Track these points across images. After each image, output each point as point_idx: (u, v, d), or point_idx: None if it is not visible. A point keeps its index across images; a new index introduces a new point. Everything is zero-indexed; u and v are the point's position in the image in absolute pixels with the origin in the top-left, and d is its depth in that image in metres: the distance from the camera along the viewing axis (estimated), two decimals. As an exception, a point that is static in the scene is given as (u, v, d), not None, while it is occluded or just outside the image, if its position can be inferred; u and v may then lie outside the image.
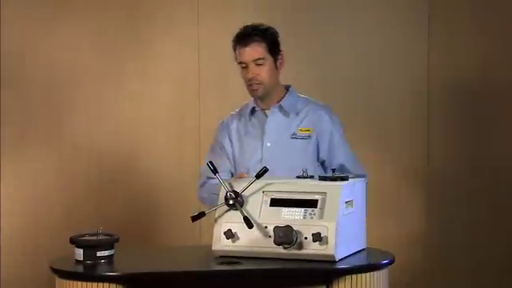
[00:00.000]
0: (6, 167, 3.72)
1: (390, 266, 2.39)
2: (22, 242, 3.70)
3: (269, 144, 2.79)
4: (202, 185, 2.84)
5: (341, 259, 2.34)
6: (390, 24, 3.92)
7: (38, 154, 3.74)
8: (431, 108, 3.96)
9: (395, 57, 3.93)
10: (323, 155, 2.83)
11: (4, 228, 3.70)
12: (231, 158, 2.83)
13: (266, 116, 2.83)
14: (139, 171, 3.84)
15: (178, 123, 3.87)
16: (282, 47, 2.84)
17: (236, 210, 2.41)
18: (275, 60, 2.82)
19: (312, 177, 2.58)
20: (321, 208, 2.37)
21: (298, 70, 3.92)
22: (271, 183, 2.46)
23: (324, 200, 2.37)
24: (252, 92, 2.80)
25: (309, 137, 2.80)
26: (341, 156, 2.85)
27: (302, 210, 2.39)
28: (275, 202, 2.42)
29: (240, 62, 2.78)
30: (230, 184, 2.46)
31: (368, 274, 2.31)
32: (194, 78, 3.80)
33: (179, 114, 3.87)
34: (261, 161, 2.76)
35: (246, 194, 2.43)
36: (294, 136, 2.80)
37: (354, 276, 2.29)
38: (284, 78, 3.93)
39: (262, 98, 2.82)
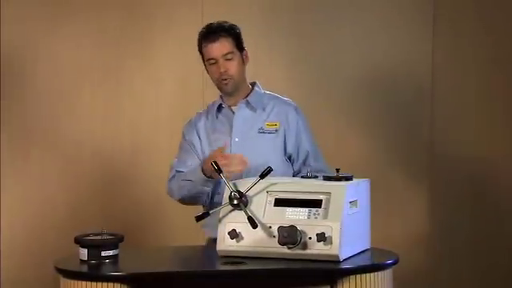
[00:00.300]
0: (10, 168, 3.72)
1: (394, 266, 2.39)
2: (26, 242, 3.70)
3: (237, 139, 2.81)
4: (171, 178, 2.86)
5: (345, 259, 2.34)
6: (394, 24, 3.92)
7: (41, 155, 3.75)
8: (435, 108, 3.95)
9: (400, 56, 3.93)
10: (290, 149, 2.85)
11: (8, 228, 3.71)
12: (200, 155, 2.84)
13: (233, 112, 2.85)
14: (143, 171, 3.85)
15: (182, 123, 3.86)
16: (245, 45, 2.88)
17: (240, 210, 2.41)
18: (241, 55, 2.85)
19: (316, 177, 2.58)
20: (325, 208, 2.37)
21: (302, 69, 3.92)
22: (275, 183, 2.46)
23: (328, 200, 2.37)
24: (223, 87, 2.82)
25: (276, 131, 2.84)
26: (306, 143, 2.89)
27: (307, 209, 2.39)
28: (279, 202, 2.42)
29: (209, 59, 2.80)
30: (234, 184, 2.46)
31: (372, 274, 2.31)
32: (197, 77, 3.79)
33: (182, 114, 3.85)
34: None
35: (250, 193, 2.43)
36: (261, 131, 2.83)
37: (359, 276, 2.29)
38: (288, 77, 3.95)
39: (232, 93, 2.84)
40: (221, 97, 2.89)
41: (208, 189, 2.76)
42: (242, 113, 2.85)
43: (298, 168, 2.87)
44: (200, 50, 2.86)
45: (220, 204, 2.57)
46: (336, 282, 2.29)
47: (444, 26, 3.92)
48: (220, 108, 2.88)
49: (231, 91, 2.84)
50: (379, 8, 3.93)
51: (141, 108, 3.87)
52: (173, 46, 3.85)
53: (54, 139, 3.76)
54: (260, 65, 3.88)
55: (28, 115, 3.75)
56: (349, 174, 2.51)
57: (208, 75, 2.86)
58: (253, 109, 2.86)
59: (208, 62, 2.82)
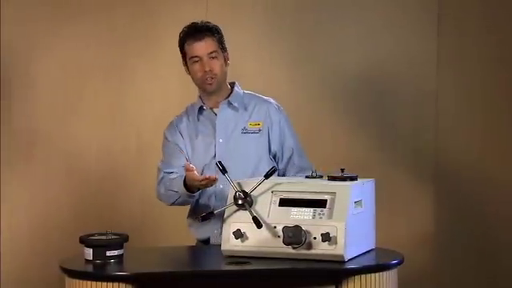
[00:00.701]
0: (15, 168, 3.73)
1: (399, 266, 2.39)
2: (31, 242, 3.71)
3: (221, 140, 2.79)
4: (160, 180, 2.82)
5: (350, 259, 2.34)
6: (398, 23, 3.91)
7: (45, 155, 3.75)
8: (440, 107, 3.95)
9: (404, 56, 3.92)
10: (275, 148, 2.84)
11: (13, 229, 3.71)
12: (186, 155, 2.82)
13: (215, 114, 2.82)
14: (147, 171, 3.83)
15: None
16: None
17: (245, 209, 2.41)
18: (224, 56, 2.83)
19: (321, 177, 2.58)
20: (330, 208, 2.37)
21: (305, 68, 3.92)
22: (280, 183, 2.46)
23: (333, 200, 2.37)
24: (206, 87, 2.79)
25: (259, 131, 2.82)
26: (290, 141, 2.87)
27: (311, 209, 2.39)
28: (284, 202, 2.43)
29: (193, 57, 2.78)
30: (239, 184, 2.46)
31: (377, 274, 2.31)
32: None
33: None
34: (214, 157, 2.75)
35: (254, 193, 2.43)
36: (244, 131, 2.81)
37: (363, 276, 2.29)
38: (290, 76, 3.95)
39: (213, 92, 2.81)
40: (200, 98, 2.85)
41: (194, 198, 2.75)
42: (224, 114, 2.82)
43: (284, 166, 2.85)
44: (182, 49, 2.83)
45: (206, 205, 2.58)
46: (341, 282, 2.29)
47: (449, 25, 3.91)
48: (201, 110, 2.84)
49: (214, 90, 2.81)
50: (383, 7, 3.92)
51: (145, 108, 3.87)
52: (177, 44, 3.83)
53: (58, 139, 3.77)
54: (262, 64, 3.89)
55: (32, 115, 3.75)
56: (353, 174, 2.51)
57: (193, 76, 2.80)
58: (235, 109, 2.83)
59: (191, 60, 2.79)
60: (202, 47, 2.77)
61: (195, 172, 2.62)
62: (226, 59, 2.83)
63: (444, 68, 3.93)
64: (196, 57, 2.78)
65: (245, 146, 2.78)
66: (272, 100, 2.91)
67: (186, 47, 2.80)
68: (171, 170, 2.80)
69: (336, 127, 3.90)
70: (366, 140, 3.92)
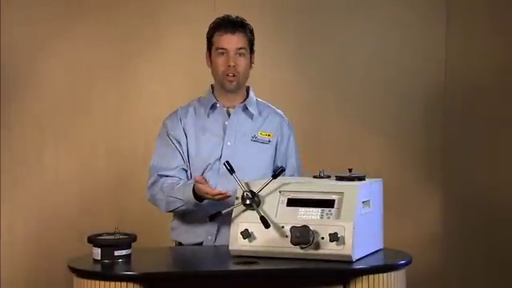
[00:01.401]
0: (24, 168, 3.74)
1: (407, 267, 2.39)
2: (40, 242, 3.72)
3: (229, 143, 2.70)
4: (154, 183, 2.71)
5: (358, 259, 2.34)
6: (407, 23, 3.91)
7: (54, 155, 3.76)
8: (448, 108, 3.94)
9: (412, 56, 3.92)
10: (279, 163, 2.77)
11: (22, 228, 3.72)
12: (185, 153, 2.71)
13: (228, 114, 2.74)
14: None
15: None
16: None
17: (253, 209, 2.41)
18: (250, 57, 2.75)
19: (329, 177, 2.58)
20: (338, 208, 2.37)
21: (313, 69, 3.92)
22: (288, 183, 2.46)
23: (341, 200, 2.37)
24: (226, 83, 2.70)
25: (269, 142, 2.76)
26: (294, 159, 2.83)
27: (319, 209, 2.38)
28: (292, 202, 2.42)
29: (220, 48, 2.68)
30: (246, 184, 2.46)
31: (385, 274, 2.30)
32: (210, 75, 3.79)
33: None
34: (220, 158, 2.68)
35: (262, 193, 2.43)
36: (254, 139, 2.74)
37: (371, 276, 2.28)
38: (299, 76, 3.94)
39: (232, 91, 2.72)
40: (213, 95, 2.76)
41: (199, 207, 2.62)
42: (238, 117, 2.74)
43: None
44: (210, 38, 2.73)
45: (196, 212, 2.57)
46: (349, 283, 2.29)
47: (457, 25, 3.91)
48: (214, 107, 2.75)
49: (233, 89, 2.72)
50: (392, 7, 3.92)
51: (154, 106, 3.87)
52: (186, 43, 3.84)
53: (67, 139, 3.77)
54: (270, 64, 3.88)
55: (41, 116, 3.76)
56: (361, 174, 2.51)
57: (214, 68, 2.70)
58: (249, 114, 2.75)
59: (217, 51, 2.69)
60: (232, 40, 2.68)
61: (207, 185, 2.55)
62: (251, 61, 2.76)
63: (452, 68, 3.92)
64: (223, 49, 2.68)
65: (251, 154, 2.71)
66: (284, 115, 2.85)
67: (216, 37, 2.70)
68: (167, 173, 2.69)
69: (343, 127, 3.90)
70: (373, 140, 3.92)
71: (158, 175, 2.71)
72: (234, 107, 2.76)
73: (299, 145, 3.90)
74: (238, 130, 2.73)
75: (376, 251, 2.48)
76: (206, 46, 2.76)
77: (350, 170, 2.53)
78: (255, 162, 2.70)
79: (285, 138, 2.81)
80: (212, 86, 2.82)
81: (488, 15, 3.87)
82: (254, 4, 3.87)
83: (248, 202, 2.41)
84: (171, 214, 2.79)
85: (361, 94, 3.91)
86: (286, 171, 2.79)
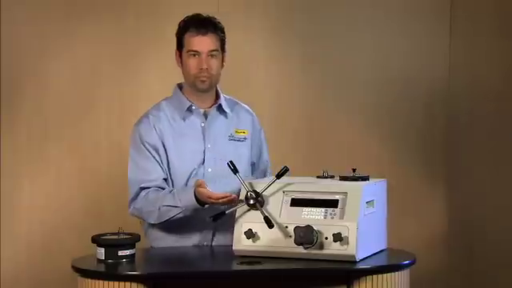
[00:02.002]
0: (28, 167, 3.74)
1: (410, 267, 2.39)
2: (43, 241, 3.72)
3: (209, 145, 2.66)
4: (136, 196, 2.62)
5: (361, 259, 2.34)
6: (411, 25, 3.90)
7: (59, 155, 3.76)
8: (451, 108, 3.94)
9: (417, 58, 3.91)
10: (254, 158, 2.77)
11: (26, 228, 3.73)
12: (165, 161, 2.63)
13: (205, 116, 2.69)
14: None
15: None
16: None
17: (256, 209, 2.41)
18: (222, 57, 2.70)
19: (333, 177, 2.58)
20: (341, 208, 2.37)
21: (319, 70, 3.91)
22: (292, 183, 2.46)
23: (345, 200, 2.37)
24: (198, 84, 2.63)
25: (245, 139, 2.74)
26: (266, 154, 2.83)
27: (323, 210, 2.38)
28: (296, 202, 2.42)
29: (192, 51, 2.62)
30: (250, 184, 2.46)
31: (389, 274, 2.30)
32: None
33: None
34: (203, 162, 2.64)
35: (266, 193, 2.43)
36: (231, 138, 2.71)
37: (375, 276, 2.28)
38: (303, 76, 3.94)
39: (204, 92, 2.66)
40: (185, 96, 2.69)
41: (195, 212, 2.56)
42: (214, 118, 2.69)
43: (258, 177, 2.76)
44: (180, 37, 2.66)
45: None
46: (352, 283, 2.29)
47: (461, 28, 3.90)
48: (189, 109, 2.68)
49: (206, 89, 2.66)
50: (396, 9, 3.91)
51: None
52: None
53: (71, 139, 3.77)
54: (274, 64, 3.88)
55: (44, 115, 3.76)
56: (365, 174, 2.50)
57: (185, 70, 2.64)
58: (223, 114, 2.72)
59: (189, 53, 2.63)
60: (204, 42, 2.62)
61: (209, 188, 2.50)
62: (223, 60, 2.71)
63: (456, 70, 3.91)
64: (195, 51, 2.63)
65: (231, 153, 2.65)
66: (251, 110, 2.82)
67: (187, 38, 2.64)
68: (148, 185, 2.61)
69: (347, 128, 3.89)
70: (378, 141, 3.92)
71: (140, 188, 2.62)
72: (209, 108, 2.71)
73: (304, 145, 3.93)
74: (216, 131, 2.69)
75: (380, 251, 2.48)
76: (176, 45, 2.70)
77: (354, 170, 2.53)
78: (236, 160, 2.62)
79: (256, 133, 2.79)
80: (179, 86, 2.75)
81: (493, 16, 3.86)
82: (258, 4, 3.87)
83: (252, 202, 2.41)
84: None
85: (364, 95, 3.90)
86: (261, 166, 2.79)
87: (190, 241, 2.66)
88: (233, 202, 2.46)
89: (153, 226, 2.67)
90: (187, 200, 2.54)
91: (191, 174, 2.64)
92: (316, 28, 3.87)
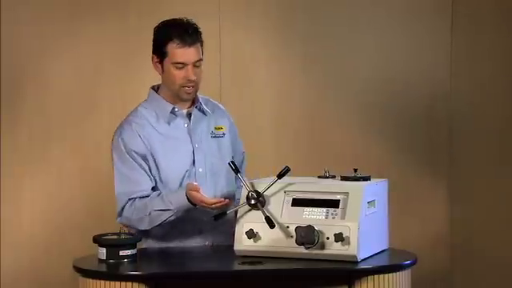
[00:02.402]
0: (30, 167, 3.74)
1: (412, 267, 2.39)
2: (45, 241, 3.72)
3: (197, 145, 2.66)
4: (124, 207, 2.60)
5: (363, 259, 2.34)
6: (412, 24, 3.90)
7: (60, 154, 3.76)
8: (453, 107, 3.93)
9: (418, 58, 3.91)
10: (232, 152, 2.77)
11: (28, 228, 3.73)
12: (153, 168, 2.60)
13: (189, 117, 2.68)
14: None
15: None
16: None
17: (258, 209, 2.41)
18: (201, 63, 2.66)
19: (334, 177, 2.58)
20: (343, 208, 2.37)
21: (320, 70, 3.91)
22: (293, 183, 2.46)
23: (346, 200, 2.37)
24: (185, 95, 2.61)
25: (223, 134, 2.74)
26: (240, 146, 2.83)
27: (324, 210, 2.38)
28: (297, 202, 2.42)
29: (178, 63, 2.57)
30: (251, 184, 2.46)
31: (390, 274, 2.30)
32: (215, 77, 3.79)
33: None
34: (194, 163, 2.64)
35: (267, 193, 2.43)
36: (213, 135, 2.72)
37: (376, 276, 2.28)
38: (305, 78, 3.94)
39: (189, 100, 2.67)
40: (165, 99, 2.66)
41: (188, 213, 2.56)
42: (198, 118, 2.69)
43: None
44: (161, 45, 2.59)
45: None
46: (354, 283, 2.29)
47: (462, 27, 3.89)
48: (173, 112, 2.66)
49: (190, 99, 2.66)
50: (397, 9, 3.90)
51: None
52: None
53: (73, 139, 3.78)
54: (275, 64, 3.88)
55: (46, 115, 3.76)
56: (366, 175, 2.50)
57: (169, 80, 2.60)
58: (203, 112, 2.71)
59: (174, 65, 2.58)
60: (190, 54, 2.57)
61: (202, 192, 2.49)
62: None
63: (458, 70, 3.91)
64: (181, 63, 2.58)
65: (216, 151, 2.69)
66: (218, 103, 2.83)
67: (170, 48, 2.57)
68: (137, 195, 2.58)
69: (349, 128, 3.89)
70: (379, 141, 3.91)
71: (129, 199, 2.60)
72: (189, 108, 2.69)
73: (305, 145, 3.92)
74: (200, 130, 2.69)
75: (381, 251, 2.47)
76: (153, 49, 2.62)
77: (355, 171, 2.53)
78: (221, 157, 2.65)
79: (231, 128, 2.80)
80: (154, 89, 2.71)
81: (494, 17, 3.86)
82: (259, 3, 3.86)
83: (253, 202, 2.42)
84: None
85: (365, 94, 3.89)
86: (237, 158, 2.77)
87: (192, 241, 2.66)
88: (226, 206, 2.47)
89: (151, 231, 2.65)
90: (179, 202, 2.53)
91: (184, 175, 2.63)
92: (317, 27, 3.87)
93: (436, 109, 3.93)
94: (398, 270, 2.33)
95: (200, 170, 2.66)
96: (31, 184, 3.73)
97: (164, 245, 2.64)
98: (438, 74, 3.93)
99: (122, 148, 2.63)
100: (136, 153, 2.61)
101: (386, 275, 2.29)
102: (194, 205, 2.53)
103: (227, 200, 2.49)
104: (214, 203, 2.48)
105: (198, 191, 2.50)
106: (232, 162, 2.52)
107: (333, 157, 3.74)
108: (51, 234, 3.72)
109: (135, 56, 3.82)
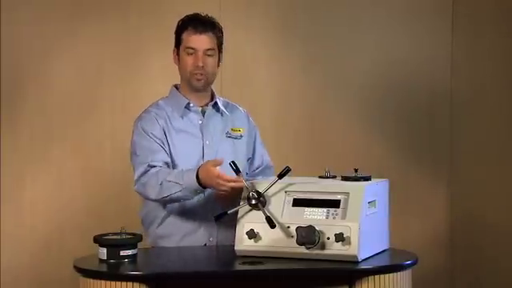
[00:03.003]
0: (31, 167, 3.74)
1: (413, 267, 2.39)
2: (46, 241, 3.72)
3: (208, 142, 2.69)
4: (145, 172, 2.60)
5: (363, 260, 2.33)
6: (413, 24, 3.90)
7: (62, 154, 3.76)
8: (454, 107, 3.94)
9: (419, 57, 3.91)
10: (249, 154, 2.80)
11: (28, 227, 3.73)
12: (168, 153, 2.65)
13: (203, 113, 2.73)
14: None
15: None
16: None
17: (258, 210, 2.41)
18: (218, 57, 2.73)
19: (335, 177, 2.58)
20: (343, 208, 2.37)
21: (321, 70, 3.91)
22: (294, 183, 2.46)
23: (347, 200, 2.37)
24: (195, 82, 2.68)
25: (241, 136, 2.77)
26: (261, 149, 2.85)
27: (325, 210, 2.38)
28: (298, 202, 2.42)
29: (189, 48, 2.66)
30: (252, 184, 2.46)
31: (391, 274, 2.30)
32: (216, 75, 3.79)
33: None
34: (203, 158, 2.66)
35: (268, 193, 2.43)
36: (228, 135, 2.75)
37: (377, 276, 2.28)
38: (306, 78, 3.94)
39: (199, 90, 2.71)
40: (182, 95, 2.73)
41: (195, 197, 2.58)
42: (212, 116, 2.73)
43: (252, 172, 2.80)
44: (178, 36, 2.71)
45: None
46: (354, 283, 2.28)
47: (463, 26, 3.90)
48: (187, 107, 2.72)
49: (201, 88, 2.70)
50: (398, 8, 3.91)
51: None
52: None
53: (74, 139, 3.78)
54: (275, 64, 3.88)
55: (47, 115, 3.76)
56: (367, 175, 2.50)
57: (182, 67, 2.68)
58: (219, 111, 2.75)
59: (186, 50, 2.67)
60: (201, 41, 2.66)
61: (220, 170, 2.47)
62: (219, 60, 2.74)
63: (458, 69, 3.91)
64: (192, 49, 2.66)
65: (229, 151, 2.71)
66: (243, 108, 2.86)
67: (184, 36, 2.69)
68: (156, 164, 2.60)
69: (350, 127, 3.89)
70: (380, 141, 3.91)
71: (149, 165, 2.61)
72: (205, 106, 2.74)
73: (306, 145, 3.92)
74: (213, 128, 2.73)
75: (382, 251, 2.47)
76: (174, 43, 2.74)
77: (356, 170, 2.53)
78: (234, 157, 2.66)
79: (251, 131, 2.82)
80: (176, 87, 2.79)
81: (494, 16, 3.86)
82: (259, 3, 3.86)
83: (254, 202, 2.42)
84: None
85: (366, 94, 3.90)
86: (255, 162, 2.80)
87: (195, 240, 2.67)
88: (238, 191, 2.45)
89: (156, 225, 2.69)
90: (189, 178, 2.52)
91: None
92: (317, 27, 3.87)
93: (436, 109, 3.94)
94: (399, 270, 2.33)
95: None
96: (32, 184, 3.74)
97: (168, 239, 2.66)
98: (438, 73, 3.93)
99: (141, 131, 2.68)
100: (154, 135, 2.66)
101: (387, 275, 2.29)
102: (204, 187, 2.51)
103: (243, 182, 2.45)
104: (231, 180, 2.46)
105: (217, 165, 2.47)
106: (233, 162, 2.51)
107: (333, 157, 3.74)
108: (52, 233, 3.73)
109: (136, 56, 3.82)
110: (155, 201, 2.62)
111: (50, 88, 3.76)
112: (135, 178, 2.65)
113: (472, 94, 3.91)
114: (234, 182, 2.47)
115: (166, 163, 2.64)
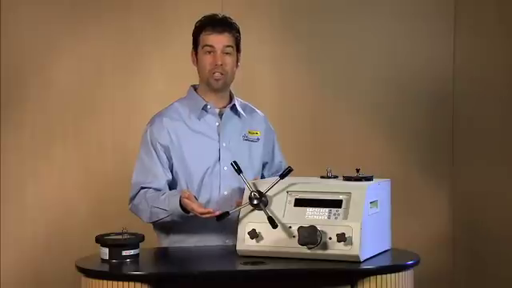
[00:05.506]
0: (32, 167, 3.75)
1: (415, 267, 2.38)
2: (47, 241, 3.73)
3: (224, 144, 2.69)
4: (136, 194, 2.67)
5: (365, 260, 2.34)
6: (415, 23, 3.91)
7: (62, 154, 3.77)
8: (456, 107, 3.94)
9: (420, 57, 3.92)
10: (266, 159, 2.81)
11: (29, 227, 3.73)
12: (177, 161, 2.66)
13: (220, 116, 2.72)
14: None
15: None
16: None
17: (260, 210, 2.41)
18: (237, 56, 2.73)
19: (336, 177, 2.58)
20: (345, 208, 2.37)
21: (323, 70, 3.91)
22: (295, 183, 2.46)
23: (348, 200, 2.37)
24: (213, 81, 2.68)
25: (258, 140, 2.78)
26: (279, 155, 2.86)
27: (327, 210, 2.38)
28: (299, 202, 2.43)
29: (207, 46, 2.67)
30: (254, 184, 2.46)
31: (393, 274, 2.30)
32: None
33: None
34: (219, 160, 2.67)
35: (270, 193, 2.44)
36: (245, 138, 2.75)
37: (379, 277, 2.28)
38: (308, 78, 3.94)
39: (218, 91, 2.70)
40: (200, 96, 2.73)
41: (185, 219, 2.59)
42: (229, 118, 2.73)
43: (268, 176, 2.80)
44: (196, 37, 2.72)
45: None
46: (356, 283, 2.28)
47: (465, 28, 3.90)
48: (205, 109, 2.72)
49: (220, 88, 2.70)
50: (400, 9, 3.91)
51: (161, 106, 3.85)
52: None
53: (75, 138, 3.78)
54: (278, 63, 3.88)
55: (48, 115, 3.77)
56: (369, 175, 2.50)
57: (201, 67, 2.68)
58: (237, 114, 2.75)
59: (204, 49, 2.68)
60: (219, 39, 2.67)
61: (194, 199, 2.52)
62: (237, 60, 2.75)
63: (460, 70, 3.91)
64: (210, 46, 2.67)
65: (246, 153, 2.72)
66: (260, 110, 2.87)
67: (203, 36, 2.69)
68: (150, 186, 2.65)
69: (352, 127, 3.90)
70: (382, 141, 3.92)
71: (141, 187, 2.67)
72: (223, 108, 2.74)
73: (308, 145, 3.92)
74: (230, 130, 2.73)
75: (384, 251, 2.48)
76: (192, 45, 2.74)
77: (358, 170, 2.53)
78: (250, 160, 2.69)
79: (268, 135, 2.83)
80: (194, 88, 2.79)
81: (497, 15, 3.86)
82: (262, 4, 3.87)
83: (255, 202, 2.42)
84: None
85: (368, 94, 3.90)
86: (272, 167, 2.82)
87: (213, 238, 2.68)
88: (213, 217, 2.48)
89: (172, 229, 2.69)
90: (174, 205, 2.56)
91: (206, 171, 2.67)
92: (319, 28, 3.88)
93: (439, 109, 3.94)
94: (401, 270, 2.33)
95: (225, 168, 2.67)
96: (33, 184, 3.74)
97: (184, 241, 2.68)
98: (440, 74, 3.93)
99: (149, 139, 2.70)
100: (161, 144, 2.68)
101: (389, 275, 2.29)
102: (188, 212, 2.55)
103: (217, 212, 2.48)
104: (204, 213, 2.50)
105: (189, 199, 2.52)
106: (234, 162, 2.51)
107: (335, 157, 3.74)
108: (53, 233, 3.73)
109: (137, 56, 3.83)
110: (153, 222, 2.67)
111: (51, 88, 3.77)
112: (129, 197, 2.71)
113: (474, 95, 3.91)
114: (206, 213, 2.49)
115: (164, 183, 2.65)
